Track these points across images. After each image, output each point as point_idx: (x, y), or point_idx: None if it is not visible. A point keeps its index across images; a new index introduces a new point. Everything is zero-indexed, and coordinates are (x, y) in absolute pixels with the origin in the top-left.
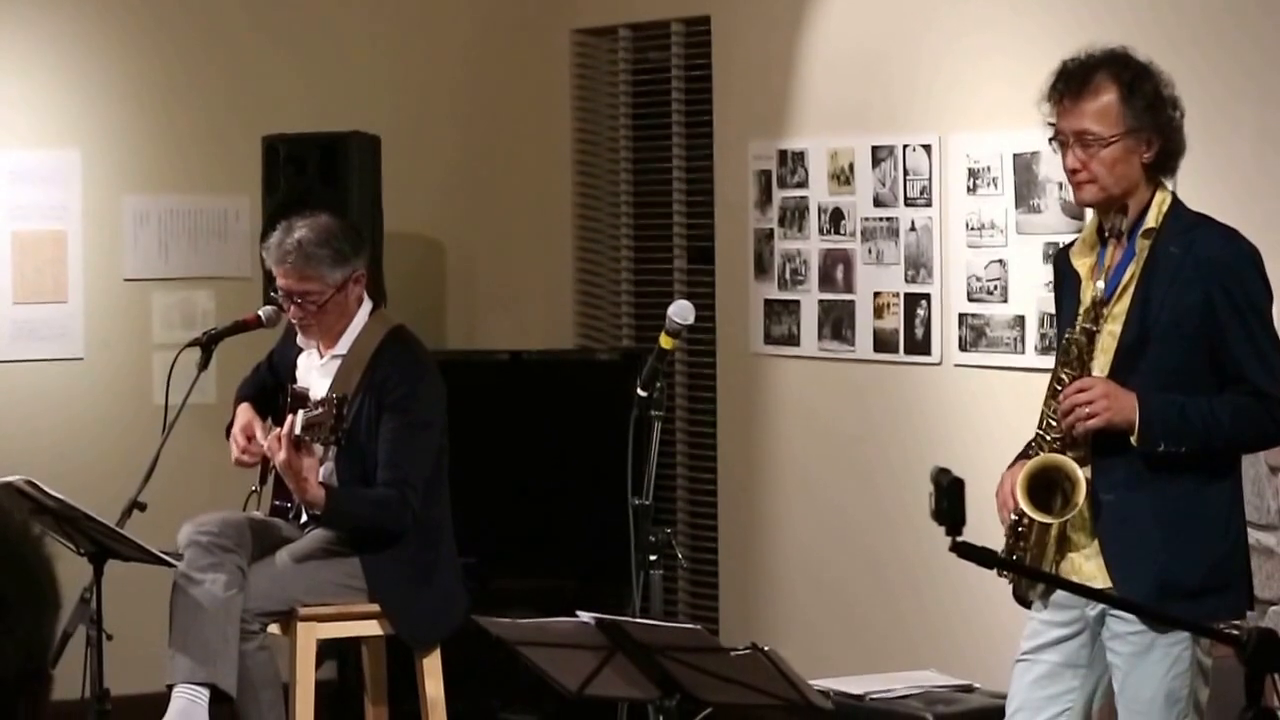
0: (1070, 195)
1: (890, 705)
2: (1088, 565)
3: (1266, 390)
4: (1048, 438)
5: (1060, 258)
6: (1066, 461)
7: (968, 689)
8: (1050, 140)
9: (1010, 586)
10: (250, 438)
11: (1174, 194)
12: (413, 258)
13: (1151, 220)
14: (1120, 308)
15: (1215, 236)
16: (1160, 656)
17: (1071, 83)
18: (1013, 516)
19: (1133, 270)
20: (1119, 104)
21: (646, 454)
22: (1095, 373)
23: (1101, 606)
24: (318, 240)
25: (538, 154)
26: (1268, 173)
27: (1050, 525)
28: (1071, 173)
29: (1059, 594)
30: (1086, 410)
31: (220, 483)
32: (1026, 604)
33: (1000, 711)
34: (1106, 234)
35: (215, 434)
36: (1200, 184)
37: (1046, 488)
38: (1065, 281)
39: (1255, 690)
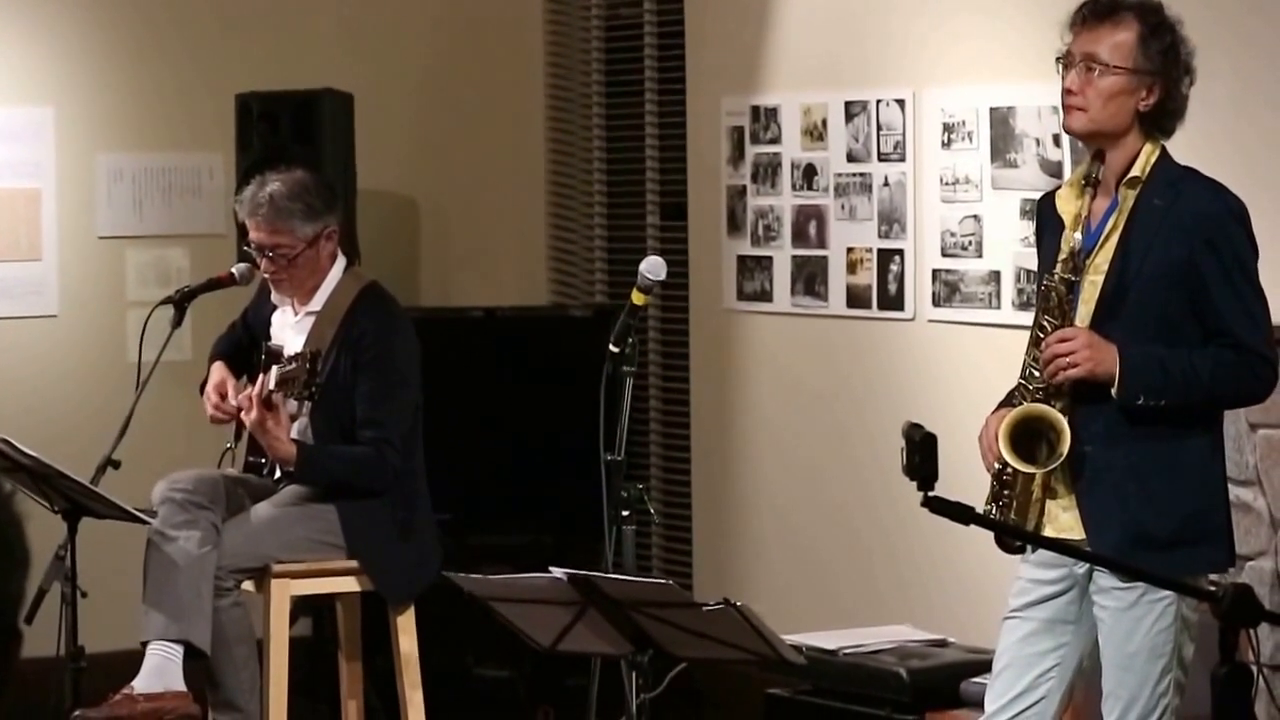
0: (1048, 152)
1: (864, 660)
2: (1065, 516)
3: (1249, 344)
4: (1030, 386)
5: (1044, 202)
6: (1050, 411)
7: (941, 644)
8: (1057, 60)
9: (994, 535)
10: (224, 395)
11: (1164, 147)
12: (386, 215)
13: (1137, 170)
14: (1103, 258)
15: (1201, 190)
16: (1144, 611)
17: (1097, 10)
18: (996, 465)
19: (1115, 220)
20: (1135, 42)
21: (619, 410)
22: (1078, 323)
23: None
24: (289, 194)
25: (511, 111)
26: (1246, 120)
27: (1035, 475)
28: (1067, 93)
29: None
30: (1067, 360)
31: (194, 440)
32: (1010, 550)
33: (975, 666)
34: (1085, 183)
35: (189, 391)
36: (1178, 132)
37: (1030, 437)
38: (1048, 226)
39: (1229, 645)
